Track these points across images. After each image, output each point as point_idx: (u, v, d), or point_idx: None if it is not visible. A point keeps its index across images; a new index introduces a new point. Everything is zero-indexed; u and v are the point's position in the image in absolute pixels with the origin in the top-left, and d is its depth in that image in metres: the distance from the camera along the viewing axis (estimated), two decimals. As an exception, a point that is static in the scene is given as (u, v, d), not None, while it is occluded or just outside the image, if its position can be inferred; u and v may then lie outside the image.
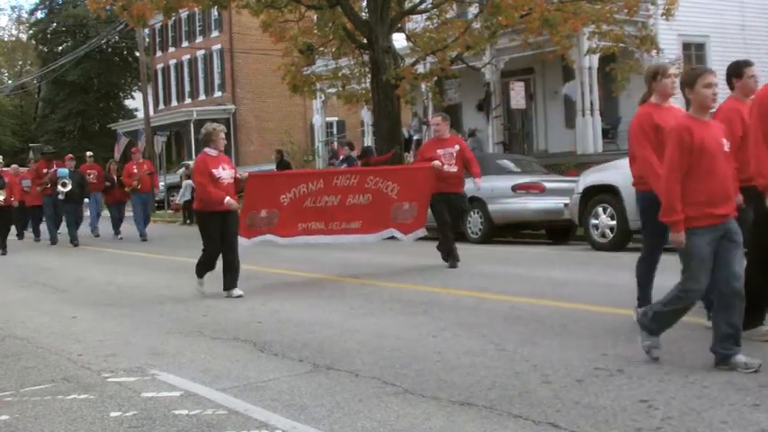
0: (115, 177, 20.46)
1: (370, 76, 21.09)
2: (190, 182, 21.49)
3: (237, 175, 9.63)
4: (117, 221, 20.41)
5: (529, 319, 7.16)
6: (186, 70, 47.35)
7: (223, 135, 9.46)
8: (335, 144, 33.43)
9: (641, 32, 19.65)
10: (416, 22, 22.84)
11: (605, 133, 22.06)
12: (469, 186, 11.62)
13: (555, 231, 15.64)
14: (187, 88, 47.43)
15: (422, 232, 11.41)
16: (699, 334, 6.12)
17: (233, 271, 9.49)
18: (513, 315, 7.43)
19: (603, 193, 12.97)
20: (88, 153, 21.66)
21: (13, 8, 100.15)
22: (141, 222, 19.36)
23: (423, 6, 21.40)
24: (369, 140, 28.53)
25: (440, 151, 11.03)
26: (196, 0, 19.16)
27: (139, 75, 41.18)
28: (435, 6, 21.20)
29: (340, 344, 6.52)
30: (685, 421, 4.26)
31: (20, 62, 70.89)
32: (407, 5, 21.60)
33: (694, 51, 23.00)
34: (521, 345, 6.14)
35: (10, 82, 66.66)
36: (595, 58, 20.73)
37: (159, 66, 49.58)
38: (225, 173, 9.38)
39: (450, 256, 11.16)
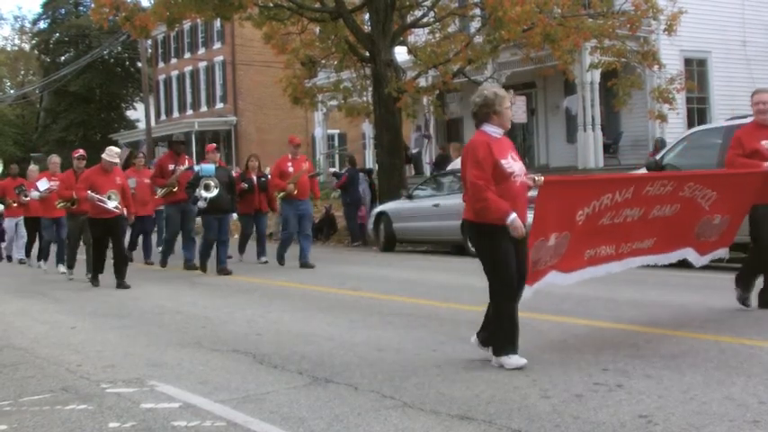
0: (254, 178, 15.23)
1: (371, 88, 21.13)
2: None
3: (528, 179, 6.18)
4: (258, 239, 15.54)
5: (529, 334, 7.14)
6: (188, 81, 47.50)
7: (509, 104, 6.16)
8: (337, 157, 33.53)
9: (643, 48, 19.68)
10: (418, 36, 22.88)
11: (606, 148, 22.11)
12: None
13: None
14: (189, 99, 47.57)
15: (723, 253, 8.42)
16: (698, 349, 6.14)
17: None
18: (513, 329, 7.40)
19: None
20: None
21: (16, 18, 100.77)
22: (306, 245, 13.95)
23: (425, 20, 21.48)
24: (370, 153, 28.62)
25: (765, 143, 7.83)
26: (199, 12, 19.15)
27: (141, 85, 41.35)
28: (438, 20, 21.27)
29: (339, 356, 6.51)
30: (685, 437, 4.25)
31: (22, 72, 71.15)
32: (410, 19, 21.68)
33: (696, 67, 23.06)
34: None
35: (12, 91, 66.85)
36: (597, 73, 20.80)
37: (161, 77, 49.77)
38: (517, 166, 6.06)
39: (748, 292, 8.01)
